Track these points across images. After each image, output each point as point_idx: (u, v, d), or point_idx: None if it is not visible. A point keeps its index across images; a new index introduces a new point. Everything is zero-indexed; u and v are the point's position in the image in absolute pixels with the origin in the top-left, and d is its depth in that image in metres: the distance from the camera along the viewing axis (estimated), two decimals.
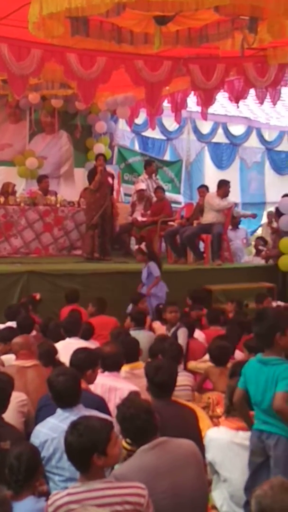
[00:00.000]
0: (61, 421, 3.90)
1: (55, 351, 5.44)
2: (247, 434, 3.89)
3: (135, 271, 9.91)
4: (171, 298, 8.10)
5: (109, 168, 12.41)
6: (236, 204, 13.33)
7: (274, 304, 8.84)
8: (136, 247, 12.15)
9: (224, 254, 11.34)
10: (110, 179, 11.22)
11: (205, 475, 3.70)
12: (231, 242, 12.09)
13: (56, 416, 3.96)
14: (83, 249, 11.00)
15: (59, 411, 3.97)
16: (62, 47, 9.23)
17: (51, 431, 3.88)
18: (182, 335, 6.76)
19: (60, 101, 13.16)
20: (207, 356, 6.41)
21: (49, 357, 5.34)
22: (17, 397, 4.44)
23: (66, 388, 3.95)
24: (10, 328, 6.46)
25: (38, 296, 8.22)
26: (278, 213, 11.67)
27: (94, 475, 3.09)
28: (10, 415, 4.20)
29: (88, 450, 3.09)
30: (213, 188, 11.47)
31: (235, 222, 12.76)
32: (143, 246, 9.22)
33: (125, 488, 3.07)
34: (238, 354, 6.22)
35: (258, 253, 12.43)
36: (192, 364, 6.30)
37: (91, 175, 11.04)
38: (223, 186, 11.00)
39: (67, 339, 6.21)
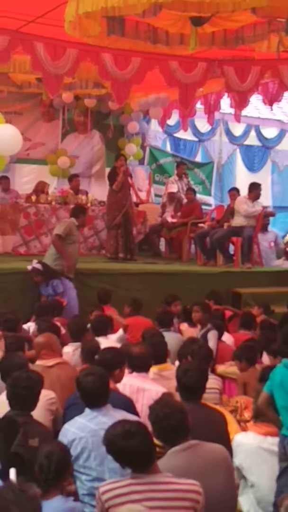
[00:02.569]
0: (89, 421, 3.91)
1: (97, 350, 5.31)
2: (275, 439, 3.87)
3: (164, 272, 9.92)
4: (199, 300, 8.05)
5: (139, 168, 12.42)
6: (266, 207, 13.20)
7: None
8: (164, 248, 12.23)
9: (254, 258, 11.27)
10: (129, 179, 11.23)
11: (234, 480, 3.68)
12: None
13: (84, 415, 3.96)
14: (107, 249, 10.99)
15: (87, 410, 3.97)
16: (97, 47, 9.26)
17: (79, 430, 3.89)
18: (212, 338, 6.73)
19: (93, 100, 13.21)
20: None
21: (90, 355, 5.31)
22: (46, 395, 4.45)
23: (94, 388, 3.96)
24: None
25: (65, 303, 8.18)
26: None
27: (155, 469, 3.11)
28: (39, 413, 4.22)
29: (151, 449, 3.13)
30: (244, 190, 11.40)
31: (264, 225, 12.67)
32: (37, 265, 8.59)
33: (184, 484, 3.09)
34: (266, 359, 6.17)
35: None
36: (221, 368, 6.26)
37: (112, 176, 11.04)
38: (254, 189, 10.93)
39: (95, 339, 6.22)
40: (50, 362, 5.19)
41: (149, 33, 8.62)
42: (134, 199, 12.29)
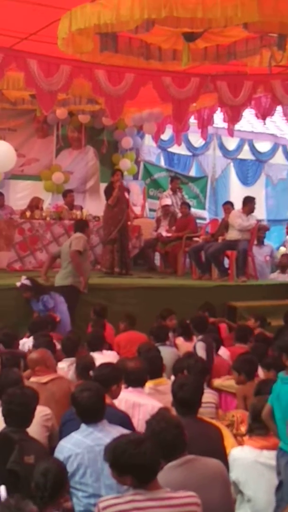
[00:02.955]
0: (85, 437, 3.89)
1: (92, 365, 5.32)
2: (272, 453, 3.86)
3: (159, 287, 9.91)
4: (194, 314, 8.04)
5: (133, 184, 12.46)
6: (260, 221, 13.24)
7: None
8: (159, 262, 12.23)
9: (249, 271, 11.28)
10: (126, 194, 11.25)
11: (230, 494, 3.67)
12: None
13: (80, 431, 3.95)
14: (102, 264, 11.00)
15: (83, 426, 3.96)
16: (91, 63, 9.31)
17: (75, 446, 3.87)
18: (200, 350, 6.71)
19: (87, 116, 13.26)
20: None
21: (84, 371, 5.29)
22: (41, 411, 4.43)
23: (90, 404, 3.95)
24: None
25: (58, 319, 8.16)
26: None
27: (155, 484, 3.09)
28: (35, 430, 4.20)
29: (158, 462, 3.12)
30: (238, 204, 11.43)
31: (259, 238, 12.69)
32: (26, 281, 8.57)
33: (184, 498, 3.09)
34: (261, 372, 6.16)
35: (283, 270, 12.33)
36: (217, 382, 6.24)
37: (108, 191, 11.08)
38: (248, 203, 10.96)
39: (91, 354, 6.20)
40: (44, 378, 5.16)
41: (142, 49, 8.67)
42: (146, 214, 12.32)
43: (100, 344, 6.39)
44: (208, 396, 5.17)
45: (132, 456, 3.05)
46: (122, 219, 10.93)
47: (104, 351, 6.47)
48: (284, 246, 13.61)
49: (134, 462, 3.04)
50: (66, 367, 5.95)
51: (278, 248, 14.25)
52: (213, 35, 8.09)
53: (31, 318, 8.12)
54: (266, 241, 13.00)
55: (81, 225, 9.44)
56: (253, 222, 10.96)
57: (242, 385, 5.62)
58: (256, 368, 5.77)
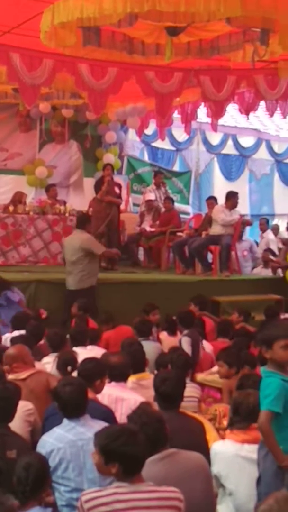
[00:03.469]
0: (67, 431, 3.89)
1: (74, 361, 5.26)
2: (253, 447, 3.87)
3: (143, 281, 9.91)
4: (179, 309, 8.04)
5: (117, 178, 12.43)
6: (244, 216, 13.28)
7: (282, 317, 8.80)
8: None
9: (233, 266, 11.31)
10: (117, 189, 11.23)
11: (212, 488, 3.68)
12: None
13: (63, 426, 3.95)
14: None
15: (65, 421, 3.96)
16: (74, 57, 9.28)
17: (57, 441, 3.87)
18: (185, 344, 6.73)
19: (71, 111, 13.21)
20: (215, 368, 6.38)
21: (65, 367, 5.27)
22: (23, 406, 4.42)
23: (72, 398, 3.94)
24: (22, 336, 6.43)
25: (44, 315, 8.10)
26: None
27: (139, 477, 3.08)
28: (17, 424, 4.20)
29: (146, 455, 3.14)
30: (221, 199, 11.45)
31: (239, 233, 12.73)
32: None
33: (167, 492, 3.08)
34: None
35: (266, 265, 12.38)
36: (200, 376, 6.26)
37: (98, 185, 11.07)
38: (231, 198, 10.97)
39: (74, 349, 6.19)
40: (23, 375, 5.10)
41: (125, 43, 8.66)
42: (129, 209, 12.30)
43: (84, 339, 6.37)
44: (191, 390, 5.19)
45: (125, 444, 3.04)
46: (110, 213, 10.92)
47: (88, 346, 6.45)
48: (257, 242, 13.63)
49: (126, 450, 3.03)
50: (52, 361, 5.92)
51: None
52: (196, 29, 8.10)
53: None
54: (246, 236, 13.06)
55: (83, 220, 9.30)
56: (236, 217, 10.99)
57: (227, 379, 5.62)
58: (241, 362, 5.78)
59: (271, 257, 12.38)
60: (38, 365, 5.61)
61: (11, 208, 11.11)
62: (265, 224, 13.84)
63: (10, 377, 5.12)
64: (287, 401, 3.61)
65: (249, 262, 13.01)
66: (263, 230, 13.46)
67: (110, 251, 9.49)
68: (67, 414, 3.96)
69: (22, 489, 3.32)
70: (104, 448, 3.09)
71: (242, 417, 4.00)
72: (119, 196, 11.32)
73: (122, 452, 3.03)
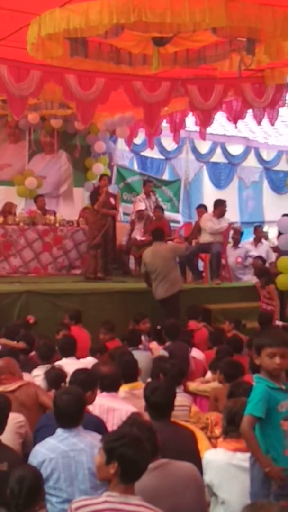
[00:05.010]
0: (60, 442, 3.89)
1: (63, 376, 5.28)
2: (245, 455, 3.86)
3: (134, 291, 9.92)
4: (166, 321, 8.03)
5: (110, 189, 12.47)
6: (233, 223, 13.32)
7: (276, 324, 8.84)
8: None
9: (223, 274, 11.34)
10: (112, 200, 11.27)
11: (204, 498, 3.68)
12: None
13: (56, 436, 3.94)
14: (85, 269, 11.00)
15: (58, 431, 3.95)
16: (61, 68, 9.30)
17: (50, 451, 3.86)
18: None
19: (60, 121, 13.23)
20: (207, 376, 6.40)
21: (57, 382, 5.26)
22: (14, 418, 4.41)
23: (68, 408, 3.94)
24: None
25: (32, 320, 8.12)
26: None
27: (131, 489, 3.08)
28: (8, 437, 4.18)
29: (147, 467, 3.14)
30: (211, 207, 11.49)
31: (235, 240, 12.75)
32: None
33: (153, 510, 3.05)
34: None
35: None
36: (192, 386, 6.26)
37: (94, 196, 11.09)
38: (219, 206, 11.01)
39: (64, 359, 6.20)
40: (11, 386, 5.09)
41: (112, 54, 8.68)
42: (120, 218, 12.35)
43: (72, 350, 6.37)
44: (182, 399, 5.19)
45: (128, 445, 3.05)
46: (106, 224, 10.96)
47: (81, 359, 6.44)
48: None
49: (128, 451, 3.04)
50: (41, 373, 5.91)
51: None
52: (183, 39, 8.14)
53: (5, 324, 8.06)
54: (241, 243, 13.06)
55: (160, 234, 9.68)
56: (224, 225, 11.02)
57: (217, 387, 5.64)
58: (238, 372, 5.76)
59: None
60: (27, 377, 5.60)
61: (1, 219, 11.13)
62: (261, 232, 13.80)
63: None
64: (271, 408, 3.60)
65: (246, 269, 12.98)
66: (260, 238, 13.38)
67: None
68: (62, 423, 3.95)
69: (15, 502, 3.30)
70: (107, 445, 3.11)
71: (236, 426, 3.99)
72: (115, 207, 11.36)
73: (123, 452, 3.04)
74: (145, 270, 9.34)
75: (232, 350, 6.67)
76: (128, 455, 3.04)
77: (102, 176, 11.63)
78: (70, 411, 3.94)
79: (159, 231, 9.82)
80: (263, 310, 9.14)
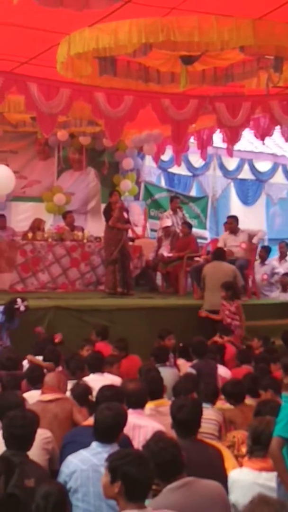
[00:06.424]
0: (93, 455, 3.90)
1: (89, 392, 5.39)
2: (270, 475, 3.84)
3: (161, 307, 9.93)
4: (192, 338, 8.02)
5: (134, 204, 12.51)
6: (263, 240, 13.28)
7: None
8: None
9: (250, 290, 11.29)
10: (125, 214, 11.32)
11: None
12: None
13: (90, 449, 3.95)
14: (106, 285, 11.04)
15: (93, 444, 3.96)
16: (90, 86, 9.40)
17: (82, 463, 3.88)
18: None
19: (88, 138, 13.36)
20: None
21: (83, 397, 5.34)
22: (41, 434, 4.44)
23: (106, 423, 3.96)
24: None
25: (58, 339, 8.16)
26: None
27: (144, 506, 3.10)
28: (35, 453, 4.20)
29: (151, 484, 3.17)
30: (240, 223, 11.47)
31: (262, 257, 12.69)
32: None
33: None
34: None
35: (284, 289, 12.32)
36: (218, 405, 6.23)
37: (107, 212, 11.15)
38: (226, 224, 11.08)
39: (91, 375, 6.22)
40: (49, 397, 5.22)
41: (141, 72, 8.78)
42: (130, 234, 12.40)
43: (100, 365, 6.39)
44: (211, 413, 5.18)
45: (131, 463, 3.08)
46: (122, 239, 11.00)
47: (106, 374, 6.46)
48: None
49: (130, 470, 3.07)
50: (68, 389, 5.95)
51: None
52: (211, 58, 8.20)
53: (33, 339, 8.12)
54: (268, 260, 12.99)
55: (222, 253, 10.25)
56: (243, 237, 11.02)
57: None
58: (243, 391, 5.75)
59: None
60: None
61: (30, 235, 11.22)
62: (285, 247, 13.73)
63: (39, 398, 5.22)
64: None
65: (273, 286, 12.90)
66: (284, 254, 13.32)
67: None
68: (98, 437, 3.96)
69: None
70: (111, 464, 3.14)
71: (262, 445, 3.97)
72: (128, 221, 11.40)
73: (126, 471, 3.06)
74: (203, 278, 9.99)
75: (268, 368, 6.67)
76: (131, 473, 3.06)
77: (113, 191, 11.67)
78: (109, 427, 3.96)
79: (221, 251, 10.34)
80: (228, 324, 9.06)
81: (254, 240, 11.55)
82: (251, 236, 11.41)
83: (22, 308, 8.44)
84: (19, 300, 8.57)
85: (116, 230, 10.95)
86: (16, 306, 8.38)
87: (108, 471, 3.14)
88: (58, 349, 7.36)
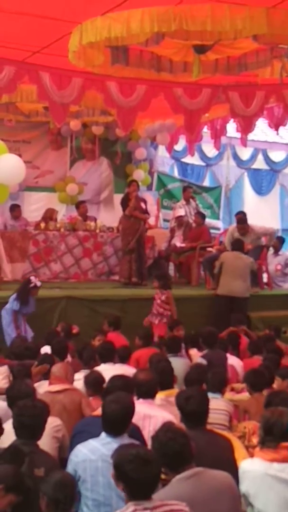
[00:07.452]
0: (103, 445, 3.89)
1: (102, 380, 5.38)
2: (282, 466, 3.82)
3: (174, 297, 9.89)
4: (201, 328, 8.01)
5: (146, 194, 12.48)
6: (277, 230, 13.22)
7: None
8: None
9: (263, 281, 11.25)
10: (143, 204, 11.30)
11: (240, 508, 3.65)
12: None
13: (99, 439, 3.95)
14: (120, 274, 11.05)
15: (103, 435, 3.95)
16: (102, 75, 9.38)
17: (91, 452, 3.88)
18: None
19: (101, 128, 13.34)
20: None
21: (96, 386, 5.35)
22: (51, 422, 4.44)
23: (113, 416, 3.94)
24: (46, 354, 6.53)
25: (75, 330, 8.15)
26: None
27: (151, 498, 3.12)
28: (45, 441, 4.20)
29: (156, 485, 3.17)
30: (252, 214, 11.44)
31: (276, 247, 12.62)
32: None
33: (175, 505, 3.11)
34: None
35: None
36: (228, 396, 6.22)
37: (125, 202, 11.13)
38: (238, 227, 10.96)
39: (102, 365, 6.23)
40: (57, 387, 5.23)
41: (153, 62, 8.74)
42: (160, 224, 12.38)
43: (111, 356, 6.40)
44: (220, 403, 5.17)
45: (134, 470, 3.07)
46: (140, 228, 10.99)
47: (117, 364, 6.47)
48: None
49: (133, 476, 3.07)
50: (82, 378, 5.96)
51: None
52: (224, 47, 8.14)
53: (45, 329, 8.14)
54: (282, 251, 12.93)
55: (242, 245, 10.26)
56: (251, 239, 10.94)
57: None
58: (263, 382, 5.74)
59: None
60: None
61: (42, 225, 11.24)
62: None
63: (47, 389, 5.25)
64: None
65: (286, 277, 12.83)
66: None
67: None
68: (107, 429, 3.96)
69: (63, 507, 3.31)
70: (115, 465, 3.16)
71: (276, 437, 3.95)
72: (146, 211, 11.38)
73: (130, 477, 3.08)
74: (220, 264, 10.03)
75: (279, 358, 6.65)
76: (134, 479, 3.07)
77: (132, 182, 11.66)
78: (117, 420, 3.94)
79: (240, 241, 10.30)
80: (159, 314, 8.97)
81: (263, 242, 11.44)
82: (259, 237, 11.28)
83: (38, 284, 8.43)
84: (32, 277, 8.60)
85: (134, 219, 10.94)
86: (31, 285, 8.37)
87: (114, 469, 3.17)
88: (67, 341, 7.36)
